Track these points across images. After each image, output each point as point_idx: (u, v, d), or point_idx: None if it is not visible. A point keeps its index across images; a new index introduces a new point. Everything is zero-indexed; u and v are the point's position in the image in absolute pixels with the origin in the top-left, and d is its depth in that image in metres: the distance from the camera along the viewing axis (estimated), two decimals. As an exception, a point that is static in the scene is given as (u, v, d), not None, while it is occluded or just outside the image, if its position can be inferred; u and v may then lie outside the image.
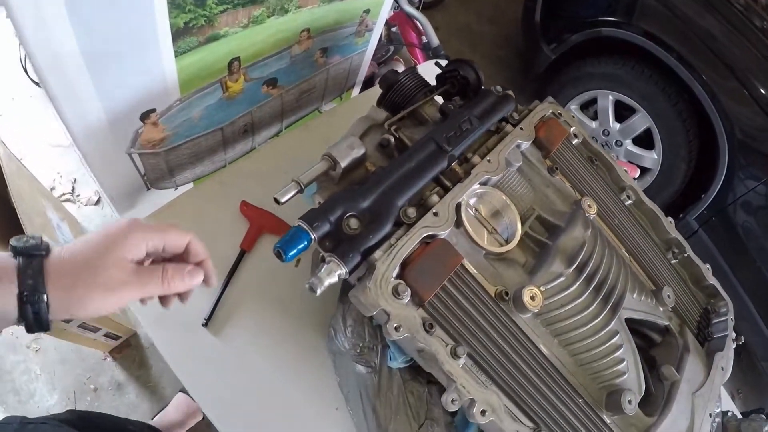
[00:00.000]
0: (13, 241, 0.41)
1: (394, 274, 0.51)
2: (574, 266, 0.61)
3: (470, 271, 0.56)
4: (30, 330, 0.40)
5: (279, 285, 0.75)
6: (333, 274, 0.49)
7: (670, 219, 0.77)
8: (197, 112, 0.71)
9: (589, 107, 1.94)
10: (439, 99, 0.72)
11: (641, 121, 1.73)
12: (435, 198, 0.56)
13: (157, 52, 0.57)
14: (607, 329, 0.61)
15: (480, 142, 0.65)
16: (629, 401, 0.58)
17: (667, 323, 0.68)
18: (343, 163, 0.55)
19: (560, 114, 0.74)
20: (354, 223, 0.52)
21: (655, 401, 0.64)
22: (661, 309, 0.68)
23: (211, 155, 0.80)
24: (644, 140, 1.78)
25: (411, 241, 0.52)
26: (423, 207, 0.56)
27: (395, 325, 0.49)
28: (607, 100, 1.80)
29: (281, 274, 0.75)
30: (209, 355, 0.69)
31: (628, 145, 1.82)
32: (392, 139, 0.59)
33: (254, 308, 0.73)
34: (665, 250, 0.76)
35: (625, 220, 0.72)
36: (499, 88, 0.71)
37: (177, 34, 0.57)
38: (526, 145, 0.68)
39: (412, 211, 0.54)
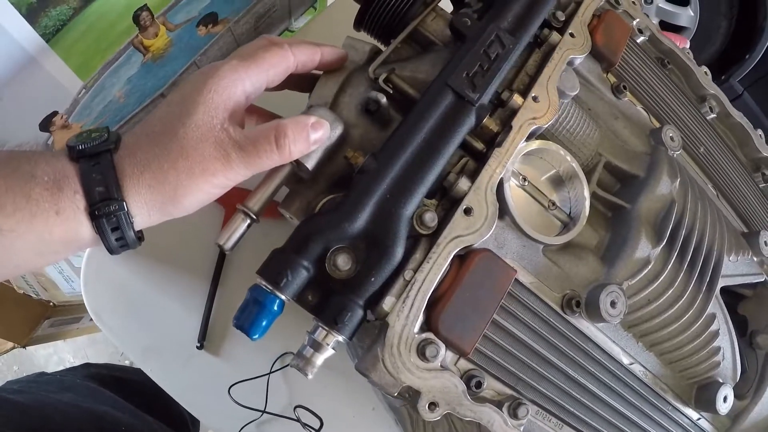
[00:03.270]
0: (70, 141, 0.29)
1: (417, 327, 0.31)
2: (663, 242, 0.41)
3: (525, 284, 0.36)
4: (113, 251, 0.30)
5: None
6: (325, 348, 0.30)
7: (760, 132, 0.54)
8: (118, 89, 0.48)
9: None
10: (446, 5, 0.45)
11: (675, -28, 1.38)
12: (463, 182, 0.34)
13: (15, 47, 0.37)
14: (703, 317, 0.43)
15: (516, 69, 0.41)
16: (724, 398, 0.43)
17: (764, 278, 0.50)
18: (311, 164, 0.32)
19: (618, 1, 0.48)
20: (343, 261, 0.30)
21: (747, 378, 0.49)
22: (756, 259, 0.50)
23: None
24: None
25: (437, 267, 0.32)
26: (445, 198, 0.35)
27: (428, 402, 0.31)
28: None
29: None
30: (216, 379, 0.52)
31: (660, 2, 1.47)
32: (383, 100, 0.34)
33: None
34: (753, 171, 0.55)
35: (711, 146, 0.50)
36: (531, -29, 0.44)
37: (31, 14, 0.36)
38: (580, 59, 0.43)
39: (430, 217, 0.32)
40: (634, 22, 0.49)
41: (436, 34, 0.41)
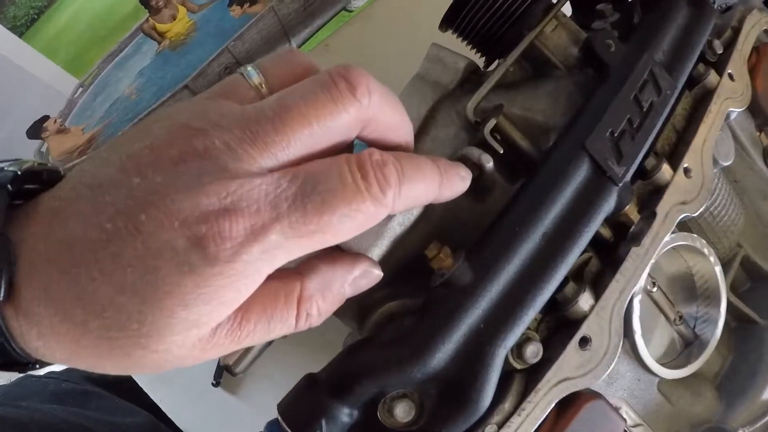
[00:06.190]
0: None
1: (494, 506, 0.21)
2: (801, 378, 0.30)
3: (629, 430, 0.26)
4: None
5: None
6: None
7: None
8: (127, 85, 0.38)
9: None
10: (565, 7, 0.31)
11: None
12: (585, 300, 0.22)
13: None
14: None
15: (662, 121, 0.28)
16: None
17: None
18: (374, 254, 0.21)
19: (782, 28, 0.34)
20: (403, 410, 0.19)
21: None
22: None
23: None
24: None
25: (530, 421, 0.21)
26: (552, 315, 0.24)
27: None
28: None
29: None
30: (231, 419, 0.45)
31: None
32: (489, 164, 0.22)
33: (279, 351, 0.45)
34: None
35: None
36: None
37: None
38: (737, 113, 0.30)
39: (533, 350, 0.21)
40: (801, 62, 0.36)
41: (556, 52, 0.28)
